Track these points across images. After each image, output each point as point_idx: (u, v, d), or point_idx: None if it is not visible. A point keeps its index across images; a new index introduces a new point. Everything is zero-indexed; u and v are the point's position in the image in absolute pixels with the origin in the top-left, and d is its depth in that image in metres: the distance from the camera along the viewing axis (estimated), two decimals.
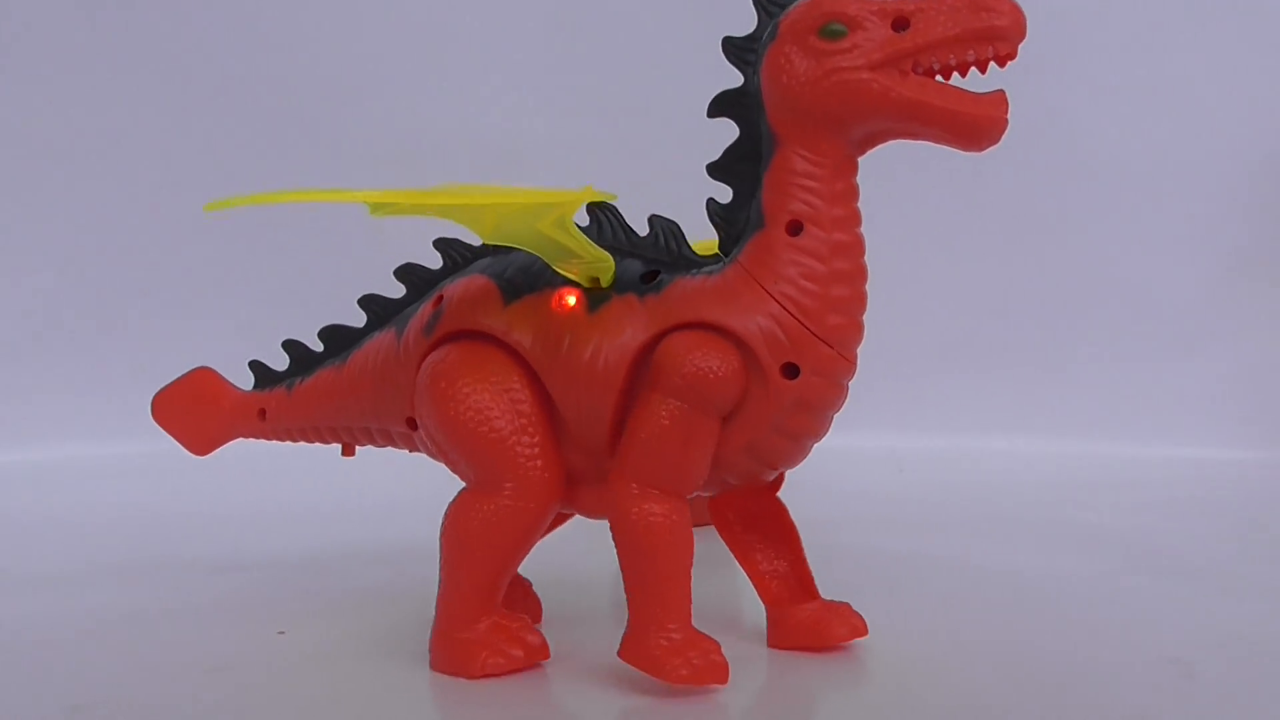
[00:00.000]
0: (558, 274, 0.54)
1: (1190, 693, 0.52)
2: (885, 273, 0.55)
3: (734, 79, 0.53)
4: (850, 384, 0.52)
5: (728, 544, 0.59)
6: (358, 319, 0.62)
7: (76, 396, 1.24)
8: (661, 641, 0.50)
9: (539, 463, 0.52)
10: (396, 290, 0.61)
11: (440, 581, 0.54)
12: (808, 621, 0.56)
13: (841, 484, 0.97)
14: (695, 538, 0.52)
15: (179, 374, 0.66)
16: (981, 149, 0.49)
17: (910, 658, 0.56)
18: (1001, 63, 0.49)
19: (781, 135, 0.51)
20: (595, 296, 0.53)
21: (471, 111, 1.28)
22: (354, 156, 1.26)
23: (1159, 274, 1.31)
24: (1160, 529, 0.90)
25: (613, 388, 0.51)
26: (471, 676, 0.52)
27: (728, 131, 0.53)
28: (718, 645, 0.51)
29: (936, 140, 0.50)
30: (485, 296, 0.55)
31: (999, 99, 0.48)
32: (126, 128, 1.29)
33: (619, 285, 0.53)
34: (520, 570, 0.60)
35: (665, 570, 0.50)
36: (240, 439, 0.66)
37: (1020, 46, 0.49)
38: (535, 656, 0.54)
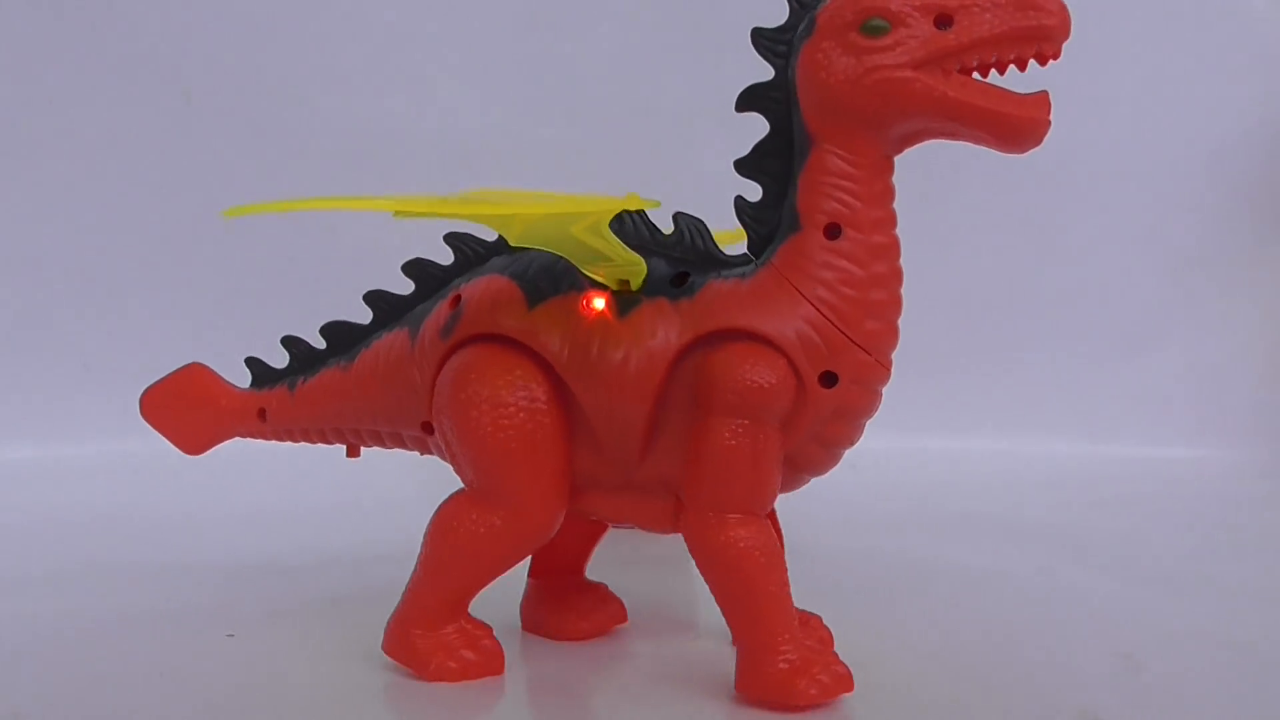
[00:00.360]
0: (582, 276, 0.52)
1: (1139, 687, 0.53)
2: None
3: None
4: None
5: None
6: (358, 315, 0.60)
7: (27, 397, 1.22)
8: (781, 665, 0.48)
9: (542, 490, 0.51)
10: (403, 286, 0.59)
11: (415, 573, 0.53)
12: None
13: None
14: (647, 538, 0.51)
15: (167, 371, 0.63)
16: (1023, 151, 0.47)
17: (861, 653, 0.56)
18: (1043, 62, 0.47)
19: (817, 133, 0.49)
20: (624, 300, 0.51)
21: (434, 111, 1.27)
22: (315, 155, 1.25)
23: (1111, 274, 1.32)
24: (1112, 526, 0.91)
25: (646, 395, 0.49)
26: (425, 678, 0.52)
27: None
28: (834, 654, 0.50)
29: (976, 141, 0.48)
30: (508, 299, 0.53)
31: (1042, 100, 0.46)
32: (78, 124, 1.26)
33: (648, 288, 0.51)
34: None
35: (764, 593, 0.49)
36: (237, 439, 0.64)
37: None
38: (491, 664, 0.53)
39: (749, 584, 0.48)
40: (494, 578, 0.53)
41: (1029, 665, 0.55)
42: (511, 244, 0.51)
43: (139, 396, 0.63)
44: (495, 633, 0.55)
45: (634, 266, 0.50)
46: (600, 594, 0.61)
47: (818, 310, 0.48)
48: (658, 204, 0.50)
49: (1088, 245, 1.31)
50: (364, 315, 0.60)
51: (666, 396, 0.50)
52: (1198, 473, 1.22)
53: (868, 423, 0.51)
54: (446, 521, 0.52)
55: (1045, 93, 0.47)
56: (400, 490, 1.00)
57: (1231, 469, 1.25)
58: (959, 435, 1.16)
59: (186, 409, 0.63)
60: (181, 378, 0.63)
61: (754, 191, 0.51)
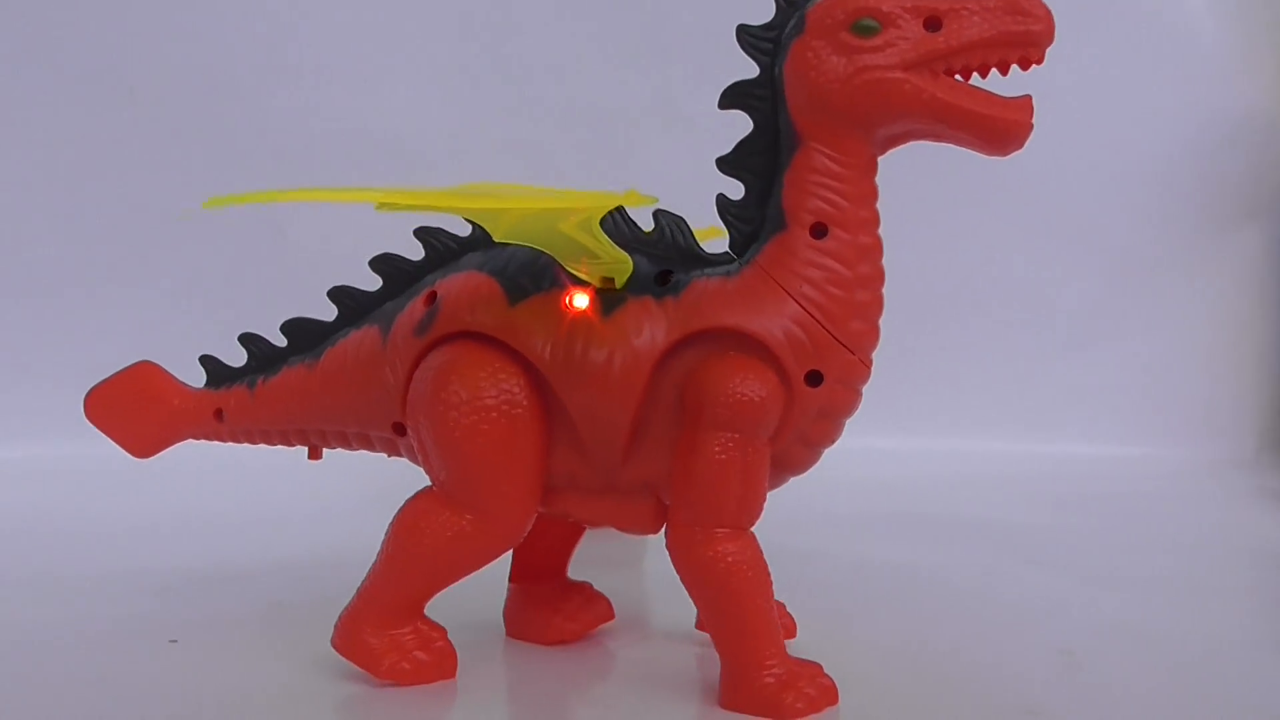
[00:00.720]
0: (564, 272, 0.50)
1: (1077, 683, 0.53)
2: None
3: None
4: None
5: None
6: (311, 313, 0.58)
7: None
8: (767, 680, 0.48)
9: (514, 496, 0.50)
10: (369, 282, 0.57)
11: (373, 569, 0.52)
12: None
13: None
14: (594, 538, 0.51)
15: (108, 370, 0.60)
16: (1006, 153, 0.48)
17: (803, 651, 0.56)
18: (1026, 66, 0.47)
19: (804, 132, 0.49)
20: (609, 298, 0.50)
21: (383, 109, 1.26)
22: (261, 153, 1.24)
23: (1053, 274, 1.34)
24: (1055, 524, 0.93)
25: (631, 395, 0.49)
26: (377, 677, 0.51)
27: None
28: (820, 668, 0.50)
29: (962, 143, 0.48)
30: (487, 295, 0.51)
31: (1026, 104, 0.47)
32: (19, 119, 1.24)
33: (632, 286, 0.50)
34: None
35: (752, 608, 0.48)
36: (190, 441, 0.62)
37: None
38: (443, 668, 0.52)
39: (736, 599, 0.48)
40: (455, 580, 0.52)
41: (972, 663, 0.56)
42: (496, 239, 0.50)
43: (83, 396, 0.60)
44: (475, 638, 0.54)
45: (620, 264, 0.50)
46: (586, 594, 0.61)
47: (804, 310, 0.48)
48: (655, 200, 0.49)
49: (1031, 245, 1.33)
50: (322, 311, 0.58)
51: (651, 397, 0.49)
52: (1140, 471, 1.24)
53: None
54: (412, 520, 0.51)
55: (1028, 96, 0.47)
56: (349, 495, 0.99)
57: (1173, 467, 1.28)
58: (903, 435, 1.17)
59: (135, 409, 0.60)
60: (129, 377, 0.60)
61: (728, 189, 0.51)
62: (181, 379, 0.61)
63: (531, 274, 0.51)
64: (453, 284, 0.53)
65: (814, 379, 0.48)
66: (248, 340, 0.60)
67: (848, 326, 0.48)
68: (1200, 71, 1.32)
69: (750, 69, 0.51)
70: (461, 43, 1.27)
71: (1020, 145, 0.48)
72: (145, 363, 0.61)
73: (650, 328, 0.49)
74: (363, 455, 0.59)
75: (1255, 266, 1.42)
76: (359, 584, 0.52)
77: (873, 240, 0.49)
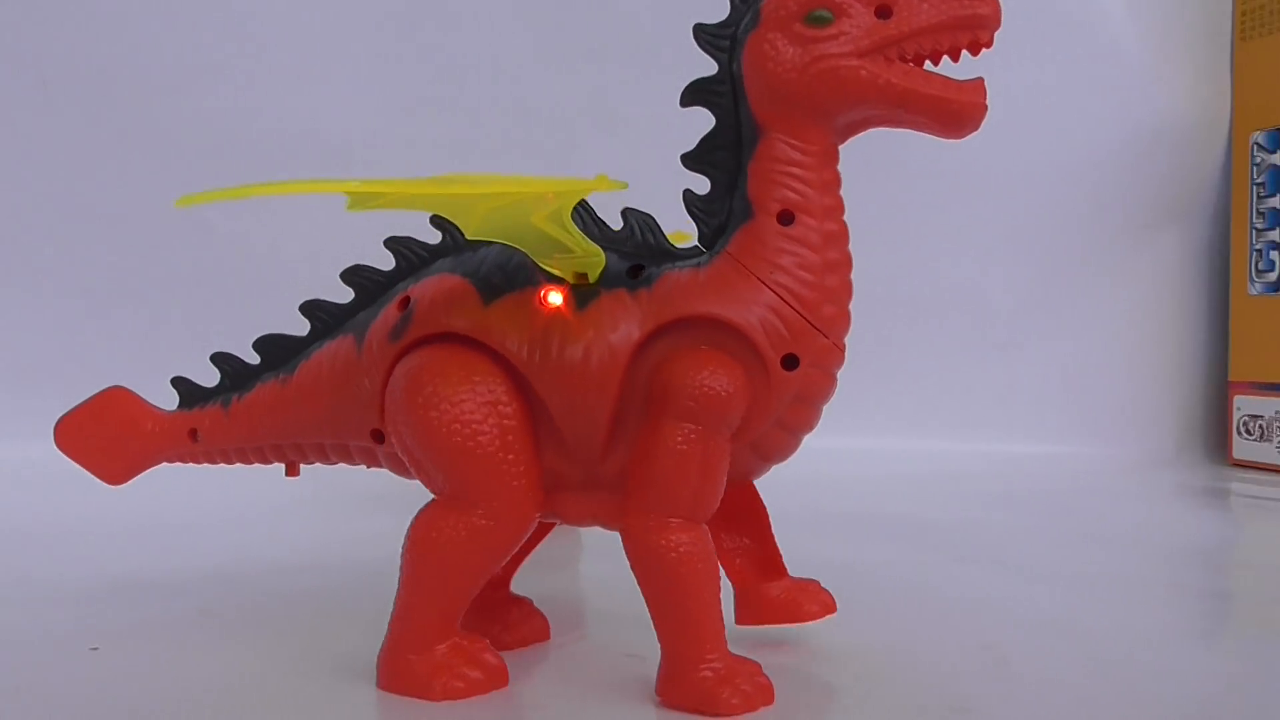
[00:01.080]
0: (537, 270, 0.50)
1: (1004, 678, 0.54)
2: None
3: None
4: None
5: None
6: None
7: None
8: (706, 674, 0.48)
9: (520, 481, 0.49)
10: (341, 295, 0.57)
11: (399, 596, 0.51)
12: (780, 599, 0.56)
13: None
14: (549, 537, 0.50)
15: (81, 397, 0.59)
16: (963, 135, 0.49)
17: (736, 647, 0.56)
18: (975, 51, 0.48)
19: (765, 123, 0.49)
20: (582, 293, 0.50)
21: (305, 106, 1.24)
22: (180, 148, 1.21)
23: (980, 276, 1.37)
24: (980, 520, 0.94)
25: (609, 389, 0.49)
26: (431, 699, 0.49)
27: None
28: (759, 667, 0.49)
29: (919, 128, 0.49)
30: (461, 296, 0.51)
31: (979, 86, 0.48)
32: None
33: (605, 280, 0.50)
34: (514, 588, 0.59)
35: (698, 601, 0.48)
36: (165, 464, 0.61)
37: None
38: (495, 680, 0.51)
39: (684, 589, 0.48)
40: (483, 582, 0.51)
41: (903, 660, 0.56)
42: (468, 236, 0.50)
43: (53, 425, 0.59)
44: None
45: (593, 258, 0.50)
46: (526, 609, 0.60)
47: (778, 295, 0.48)
48: (625, 185, 0.47)
49: (962, 249, 1.35)
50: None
51: (628, 390, 0.49)
52: (1066, 469, 1.27)
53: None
54: (424, 534, 0.50)
55: (981, 79, 0.48)
56: (276, 502, 0.98)
57: (1097, 465, 1.31)
58: (834, 434, 1.18)
59: (107, 436, 0.59)
60: (99, 403, 0.59)
61: (666, 187, 0.51)
62: (143, 393, 0.60)
63: (505, 273, 0.51)
64: (426, 287, 0.53)
65: (790, 363, 0.49)
66: (220, 360, 0.59)
67: (820, 311, 0.49)
68: (1123, 80, 1.36)
69: (685, 70, 0.51)
70: (394, 41, 1.26)
71: (976, 127, 0.48)
72: (115, 388, 0.60)
73: (625, 320, 0.49)
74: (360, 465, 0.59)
75: (1176, 269, 1.46)
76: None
77: (838, 227, 0.50)
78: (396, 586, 0.51)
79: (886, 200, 1.26)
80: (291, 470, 0.59)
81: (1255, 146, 1.39)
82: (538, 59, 1.26)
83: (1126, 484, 1.22)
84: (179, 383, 0.60)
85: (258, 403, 0.57)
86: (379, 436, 0.54)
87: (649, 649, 0.50)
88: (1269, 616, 0.69)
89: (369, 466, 0.57)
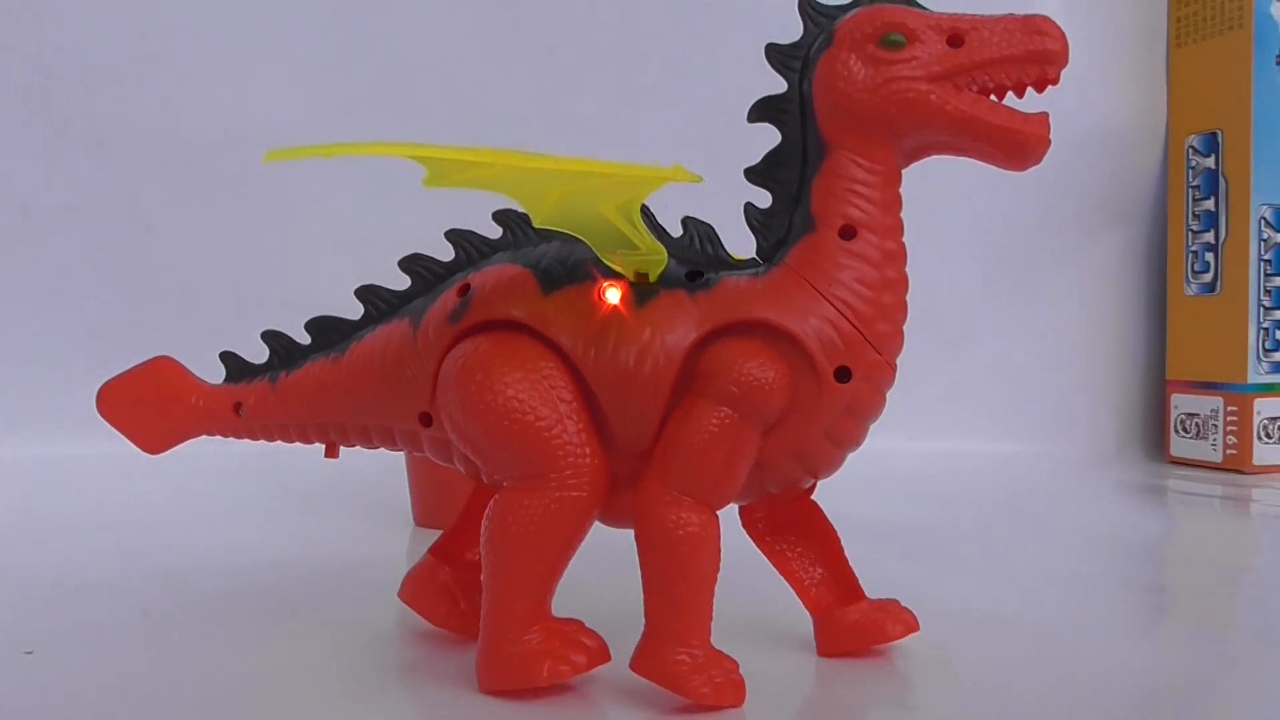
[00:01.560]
0: (597, 265, 0.51)
1: (949, 676, 0.55)
2: None
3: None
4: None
5: (762, 552, 0.57)
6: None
7: None
8: (683, 657, 0.48)
9: (587, 449, 0.49)
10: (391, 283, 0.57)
11: (486, 593, 0.50)
12: (860, 623, 0.56)
13: None
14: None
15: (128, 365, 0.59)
16: (1025, 168, 0.50)
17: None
18: (1041, 87, 0.50)
19: (833, 141, 0.50)
20: (642, 291, 0.50)
21: (253, 102, 1.23)
22: (124, 147, 1.19)
23: (927, 276, 1.38)
24: (930, 519, 0.95)
25: (662, 387, 0.49)
26: (539, 684, 0.49)
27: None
28: (737, 665, 0.49)
29: (982, 156, 0.50)
30: (521, 286, 0.51)
31: (1044, 120, 0.49)
32: None
33: (664, 281, 0.50)
34: None
35: (694, 584, 0.48)
36: (205, 436, 0.60)
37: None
38: (597, 659, 0.50)
39: (683, 571, 0.48)
40: (569, 558, 0.50)
41: (851, 658, 0.56)
42: (536, 223, 0.50)
43: (97, 390, 0.58)
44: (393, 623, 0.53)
45: (656, 256, 0.50)
46: None
47: (835, 307, 0.49)
48: (701, 179, 0.48)
49: (911, 249, 1.37)
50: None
51: (681, 389, 0.49)
52: (1008, 466, 1.29)
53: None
54: (501, 521, 0.49)
55: (1046, 114, 0.49)
56: (215, 501, 0.97)
57: (1039, 462, 1.33)
58: None
59: (151, 405, 0.59)
60: (146, 372, 0.59)
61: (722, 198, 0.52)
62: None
63: (565, 266, 0.51)
64: (486, 275, 0.53)
65: (843, 375, 0.49)
66: (270, 337, 0.59)
67: (875, 326, 0.49)
68: (1062, 86, 1.37)
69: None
70: (341, 37, 1.24)
71: (1038, 160, 0.50)
72: (163, 358, 0.60)
73: (682, 321, 0.49)
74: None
75: (1115, 270, 1.49)
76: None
77: (897, 246, 0.51)
78: (487, 582, 0.50)
79: None
80: (331, 451, 0.59)
81: (1190, 150, 1.42)
82: (487, 57, 1.25)
83: (1067, 481, 1.24)
84: (227, 357, 0.60)
85: (306, 380, 0.57)
86: (427, 420, 0.53)
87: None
88: (1205, 610, 0.70)
89: (409, 451, 0.56)
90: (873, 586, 0.60)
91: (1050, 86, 0.50)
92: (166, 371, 0.59)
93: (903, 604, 0.57)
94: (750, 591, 0.62)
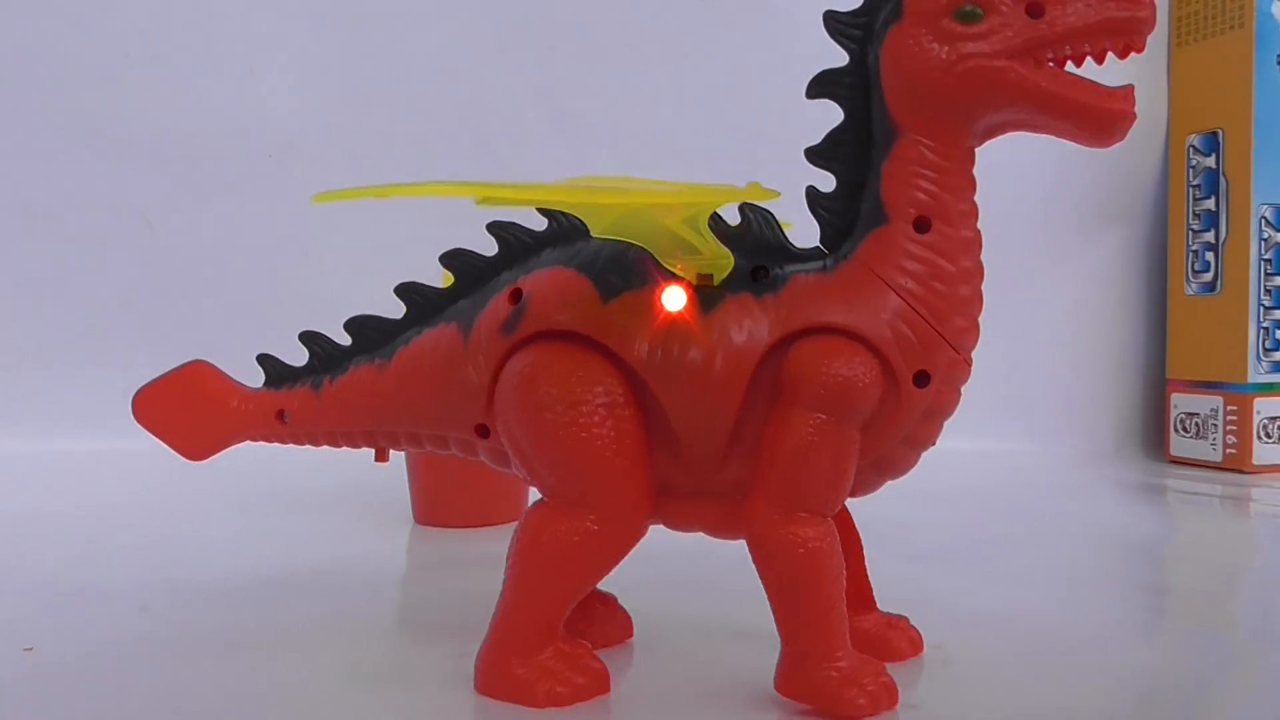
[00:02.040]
0: (656, 265, 0.48)
1: (950, 676, 0.55)
2: None
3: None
4: None
5: None
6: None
7: None
8: (831, 673, 0.46)
9: (633, 486, 0.47)
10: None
11: (503, 598, 0.49)
12: (872, 633, 0.55)
13: None
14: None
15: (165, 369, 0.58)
16: (1109, 144, 0.45)
17: (675, 650, 0.57)
18: (1124, 55, 0.45)
19: (903, 123, 0.46)
20: (706, 296, 0.47)
21: (254, 99, 1.23)
22: (124, 146, 1.19)
23: None
24: (924, 518, 0.95)
25: (734, 396, 0.46)
26: (534, 705, 0.48)
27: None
28: (883, 666, 0.48)
29: (1061, 134, 0.46)
30: (579, 294, 0.48)
31: (1129, 94, 0.45)
32: None
33: (728, 282, 0.48)
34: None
35: (825, 598, 0.46)
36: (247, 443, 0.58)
37: None
38: (599, 685, 0.49)
39: (811, 586, 0.46)
40: (587, 588, 0.49)
41: None
42: (594, 234, 0.48)
43: (132, 396, 0.56)
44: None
45: (721, 260, 0.48)
46: (610, 606, 0.58)
47: (911, 306, 0.46)
48: (778, 194, 0.46)
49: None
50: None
51: (753, 397, 0.47)
52: (1007, 465, 1.29)
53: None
54: (533, 536, 0.48)
55: (1131, 86, 0.45)
56: (215, 497, 0.97)
57: (1039, 461, 1.33)
58: None
59: (189, 410, 0.57)
60: (182, 376, 0.57)
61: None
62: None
63: (621, 269, 0.49)
64: (539, 281, 0.50)
65: (922, 379, 0.47)
66: (309, 339, 0.56)
67: (952, 323, 0.46)
68: None
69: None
70: (338, 34, 1.24)
71: (1122, 136, 0.45)
72: (199, 362, 0.57)
73: (752, 326, 0.47)
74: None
75: (1115, 269, 1.49)
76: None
77: (973, 234, 0.48)
78: (501, 588, 0.49)
79: None
80: (381, 455, 0.57)
81: (1191, 149, 1.42)
82: (487, 54, 1.25)
83: (1066, 480, 1.24)
84: (265, 360, 0.57)
85: (352, 386, 0.55)
86: (484, 432, 0.51)
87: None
88: (1204, 610, 0.70)
89: (464, 457, 0.54)
90: (874, 589, 0.60)
91: (1133, 54, 0.45)
92: (203, 375, 0.57)
93: (910, 617, 0.57)
94: (750, 591, 0.61)
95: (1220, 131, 1.38)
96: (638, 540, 0.49)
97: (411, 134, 1.25)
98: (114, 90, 1.18)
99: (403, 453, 0.90)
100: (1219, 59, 1.38)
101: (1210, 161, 1.39)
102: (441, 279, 0.55)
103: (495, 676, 0.49)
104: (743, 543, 0.50)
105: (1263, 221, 1.34)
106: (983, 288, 0.48)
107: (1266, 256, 1.35)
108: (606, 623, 0.57)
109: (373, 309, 0.56)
